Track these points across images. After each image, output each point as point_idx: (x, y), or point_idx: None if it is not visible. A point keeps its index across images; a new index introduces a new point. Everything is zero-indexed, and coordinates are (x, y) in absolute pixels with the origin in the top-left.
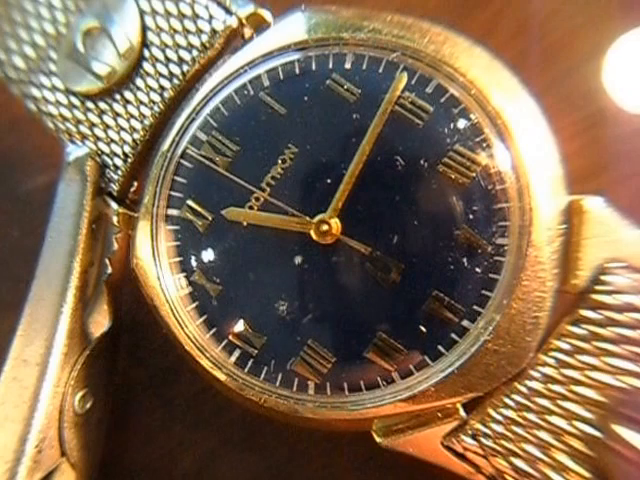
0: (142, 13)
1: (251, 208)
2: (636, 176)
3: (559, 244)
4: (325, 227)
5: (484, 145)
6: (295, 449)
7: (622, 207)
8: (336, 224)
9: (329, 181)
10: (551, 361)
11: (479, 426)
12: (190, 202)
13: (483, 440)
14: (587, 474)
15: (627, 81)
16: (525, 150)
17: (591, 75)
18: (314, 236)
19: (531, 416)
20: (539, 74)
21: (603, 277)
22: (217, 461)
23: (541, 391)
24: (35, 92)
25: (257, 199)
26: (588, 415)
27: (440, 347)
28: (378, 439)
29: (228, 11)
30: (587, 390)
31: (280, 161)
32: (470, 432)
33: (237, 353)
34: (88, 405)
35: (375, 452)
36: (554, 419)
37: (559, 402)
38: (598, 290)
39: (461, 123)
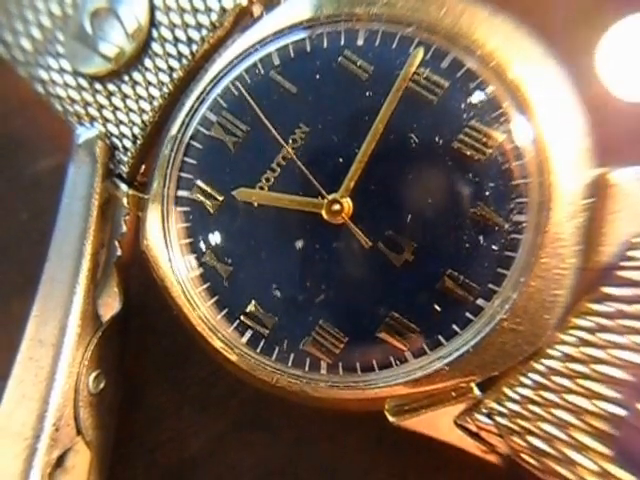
0: None
1: (262, 188)
2: None
3: (582, 220)
4: (337, 207)
5: (502, 120)
6: (305, 430)
7: None
8: (348, 204)
9: (341, 160)
10: (571, 339)
11: (494, 405)
12: (200, 183)
13: (498, 419)
14: (609, 453)
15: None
16: (547, 123)
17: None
18: (325, 216)
19: (549, 395)
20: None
21: (630, 253)
22: (227, 443)
23: (560, 370)
24: (43, 74)
25: (267, 179)
26: (612, 394)
27: (454, 326)
28: (391, 418)
29: None
30: (611, 369)
31: (291, 141)
32: (485, 411)
33: (249, 334)
34: (102, 385)
35: (386, 433)
36: (574, 398)
37: (579, 381)
38: (625, 266)
39: (478, 98)
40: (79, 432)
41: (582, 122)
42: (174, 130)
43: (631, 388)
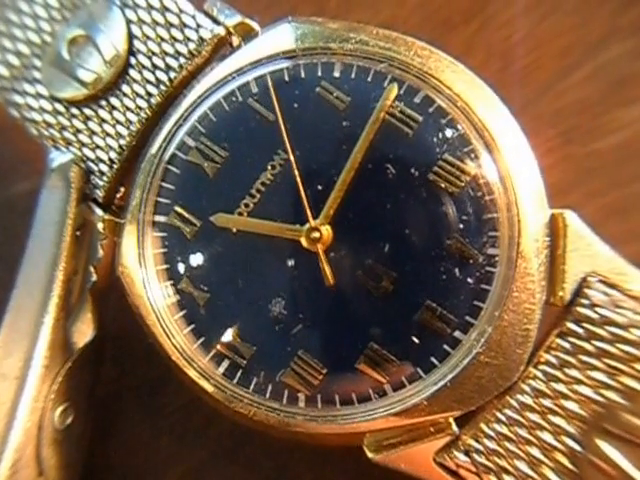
0: (129, 22)
1: (240, 214)
2: (606, 192)
3: (545, 256)
4: (316, 234)
5: (472, 156)
6: (284, 463)
7: (591, 222)
8: (327, 231)
9: (320, 188)
10: (541, 375)
11: (471, 442)
12: (178, 208)
13: (475, 456)
14: None
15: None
16: (510, 163)
17: (562, 94)
18: (305, 243)
19: (522, 431)
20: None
21: (586, 290)
22: (204, 475)
23: (531, 405)
24: (18, 99)
25: (246, 205)
26: (572, 430)
27: (433, 359)
28: (369, 454)
29: (215, 21)
30: (572, 404)
31: (270, 167)
32: (462, 448)
33: (225, 364)
34: (69, 420)
35: (365, 467)
36: (543, 434)
37: (548, 417)
38: (581, 303)
39: (449, 133)
40: (41, 473)
41: (536, 165)
42: (151, 154)
43: (586, 424)
